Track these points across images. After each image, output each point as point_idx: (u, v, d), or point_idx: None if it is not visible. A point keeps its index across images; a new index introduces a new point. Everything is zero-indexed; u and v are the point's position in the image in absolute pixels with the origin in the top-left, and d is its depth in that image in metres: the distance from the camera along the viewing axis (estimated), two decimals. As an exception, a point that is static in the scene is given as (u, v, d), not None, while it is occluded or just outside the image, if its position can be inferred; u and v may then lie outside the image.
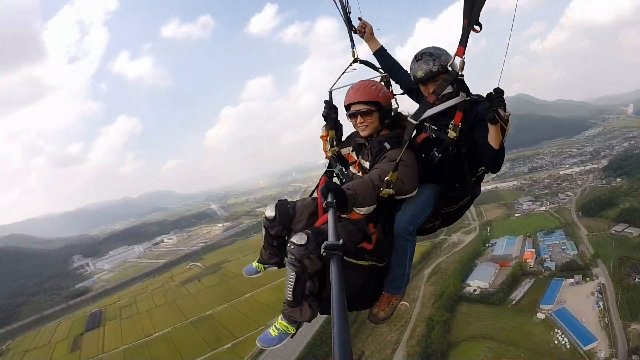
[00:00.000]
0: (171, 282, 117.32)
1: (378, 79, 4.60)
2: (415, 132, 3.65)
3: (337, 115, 4.46)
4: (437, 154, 3.66)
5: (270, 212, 4.05)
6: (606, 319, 52.61)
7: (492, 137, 3.15)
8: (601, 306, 54.95)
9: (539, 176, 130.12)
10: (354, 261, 3.61)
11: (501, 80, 3.11)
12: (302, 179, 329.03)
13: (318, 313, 3.56)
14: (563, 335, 50.68)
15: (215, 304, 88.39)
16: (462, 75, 3.31)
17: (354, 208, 3.23)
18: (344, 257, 3.18)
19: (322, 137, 4.56)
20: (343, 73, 4.63)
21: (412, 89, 4.25)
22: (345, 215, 3.43)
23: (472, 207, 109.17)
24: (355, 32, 4.65)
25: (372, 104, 3.73)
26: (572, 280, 61.73)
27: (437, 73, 3.65)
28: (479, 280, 68.16)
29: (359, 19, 4.61)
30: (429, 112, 3.38)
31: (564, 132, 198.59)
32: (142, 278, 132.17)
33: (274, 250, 4.34)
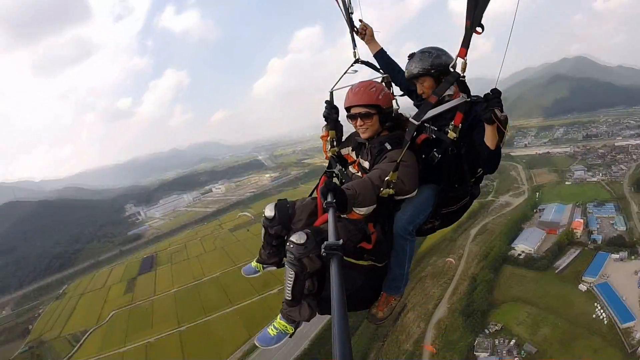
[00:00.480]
0: (220, 229, 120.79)
1: (379, 79, 4.66)
2: (415, 132, 3.64)
3: (338, 116, 4.48)
4: (437, 155, 3.70)
5: (269, 212, 4.08)
6: (648, 299, 51.95)
7: (489, 137, 3.18)
8: (644, 285, 53.06)
9: (594, 145, 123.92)
10: (353, 261, 3.68)
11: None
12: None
13: (317, 313, 3.59)
14: (602, 310, 49.55)
15: None
16: (464, 77, 3.27)
17: (353, 208, 3.25)
18: (343, 257, 3.27)
19: (322, 137, 4.61)
20: (344, 74, 4.72)
21: (412, 90, 4.29)
22: (345, 215, 3.47)
23: (522, 171, 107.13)
24: (356, 34, 4.67)
25: (372, 107, 3.75)
26: (617, 256, 59.38)
27: (429, 71, 3.84)
28: (525, 245, 67.27)
29: (360, 20, 4.62)
30: (431, 113, 3.41)
31: (624, 100, 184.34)
32: (192, 225, 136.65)
33: (273, 250, 4.39)
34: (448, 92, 3.57)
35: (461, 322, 52.81)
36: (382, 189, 3.35)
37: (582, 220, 72.66)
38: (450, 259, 67.45)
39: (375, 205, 3.40)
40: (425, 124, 3.85)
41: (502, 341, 48.59)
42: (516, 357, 45.76)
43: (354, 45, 4.66)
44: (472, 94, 3.49)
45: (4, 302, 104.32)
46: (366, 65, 4.75)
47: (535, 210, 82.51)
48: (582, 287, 54.58)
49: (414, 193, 3.57)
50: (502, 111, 2.95)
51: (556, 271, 59.98)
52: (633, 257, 59.67)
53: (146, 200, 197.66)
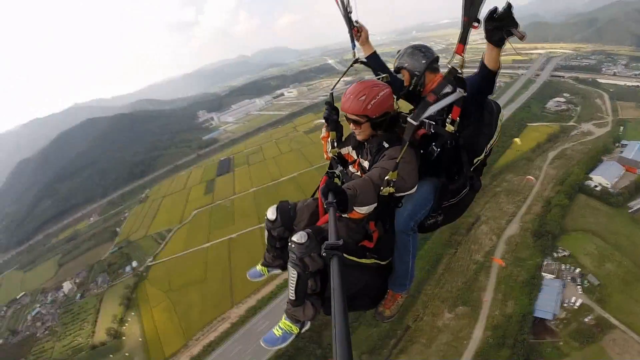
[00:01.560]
0: (295, 132, 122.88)
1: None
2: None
3: (338, 117, 4.43)
4: (435, 149, 3.75)
5: (271, 215, 4.10)
6: None
7: (493, 59, 3.11)
8: None
9: None
10: (356, 259, 3.67)
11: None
12: (423, 38, 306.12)
13: (322, 313, 3.64)
14: None
15: None
16: (462, 74, 3.26)
17: (354, 207, 3.22)
18: (346, 256, 3.47)
19: (322, 138, 4.58)
20: (344, 74, 4.81)
21: (407, 93, 4.35)
22: (346, 215, 3.43)
23: (607, 100, 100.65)
24: (357, 33, 4.68)
25: (360, 116, 3.71)
26: None
27: (408, 70, 4.16)
28: (602, 178, 64.72)
29: (356, 22, 4.59)
30: (429, 112, 3.36)
31: None
32: (265, 128, 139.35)
33: (277, 252, 4.39)
34: (446, 89, 3.54)
35: (531, 241, 53.82)
36: (382, 187, 3.38)
37: (664, 165, 68.11)
38: (531, 177, 67.21)
39: (375, 204, 3.40)
40: (424, 119, 3.78)
41: (568, 267, 49.56)
42: (579, 285, 46.86)
43: (353, 46, 4.72)
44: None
45: (91, 210, 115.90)
46: (366, 65, 4.81)
47: (616, 145, 77.31)
48: None
49: (414, 189, 3.59)
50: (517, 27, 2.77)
51: (630, 210, 57.92)
52: None
53: (218, 106, 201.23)
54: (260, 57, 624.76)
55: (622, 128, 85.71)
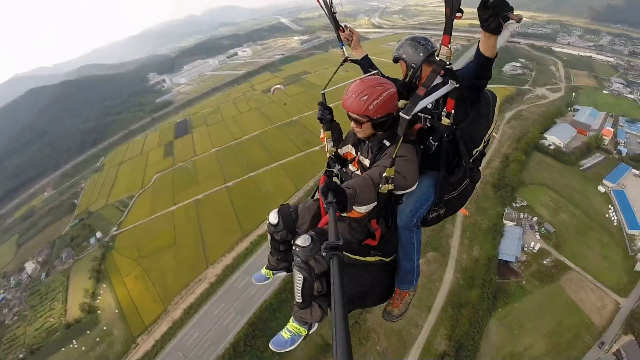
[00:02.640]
0: (252, 90, 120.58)
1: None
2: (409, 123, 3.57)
3: (333, 116, 4.36)
4: (433, 142, 3.71)
5: (273, 219, 4.07)
6: (655, 217, 55.74)
7: (490, 46, 3.01)
8: (657, 206, 57.26)
9: (638, 62, 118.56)
10: (360, 258, 3.68)
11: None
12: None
13: (329, 313, 3.46)
14: (615, 213, 55.76)
15: (300, 112, 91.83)
16: (451, 64, 3.20)
17: (354, 206, 3.21)
18: (350, 255, 3.54)
19: (321, 139, 4.52)
20: (334, 74, 4.72)
21: (403, 85, 4.29)
22: (346, 214, 3.44)
23: (561, 68, 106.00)
24: (342, 34, 4.63)
25: (362, 116, 3.59)
26: (637, 172, 63.26)
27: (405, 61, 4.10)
28: (556, 138, 70.30)
29: (345, 26, 4.63)
30: (420, 106, 3.15)
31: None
32: (221, 88, 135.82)
33: (282, 256, 4.38)
34: (437, 81, 3.52)
35: (492, 193, 57.72)
36: (381, 185, 3.34)
37: (612, 130, 74.37)
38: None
39: (375, 203, 3.37)
40: (420, 114, 3.88)
41: (526, 216, 54.56)
42: (537, 232, 52.18)
43: (342, 45, 4.62)
44: None
45: (45, 185, 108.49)
46: (356, 63, 4.76)
47: (569, 109, 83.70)
48: (601, 188, 60.25)
49: (415, 186, 3.54)
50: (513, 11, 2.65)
51: (580, 168, 64.22)
52: (654, 176, 63.09)
53: (169, 68, 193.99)
54: (210, 16, 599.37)
55: (574, 94, 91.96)
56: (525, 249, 50.02)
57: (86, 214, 78.07)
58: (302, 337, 3.57)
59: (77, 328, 51.21)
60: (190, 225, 62.34)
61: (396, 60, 4.22)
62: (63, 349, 48.95)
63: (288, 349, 3.52)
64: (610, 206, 56.88)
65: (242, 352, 41.88)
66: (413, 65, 4.06)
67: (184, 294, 50.68)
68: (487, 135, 3.91)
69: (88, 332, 50.15)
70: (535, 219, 54.06)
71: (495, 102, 3.93)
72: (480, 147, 3.91)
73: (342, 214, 3.44)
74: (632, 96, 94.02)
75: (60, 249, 69.45)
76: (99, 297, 54.96)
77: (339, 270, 2.02)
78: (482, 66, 3.17)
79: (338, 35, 4.56)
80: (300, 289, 3.28)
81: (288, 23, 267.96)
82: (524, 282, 46.40)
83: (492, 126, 3.91)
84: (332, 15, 4.31)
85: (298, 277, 3.23)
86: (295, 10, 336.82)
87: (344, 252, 3.31)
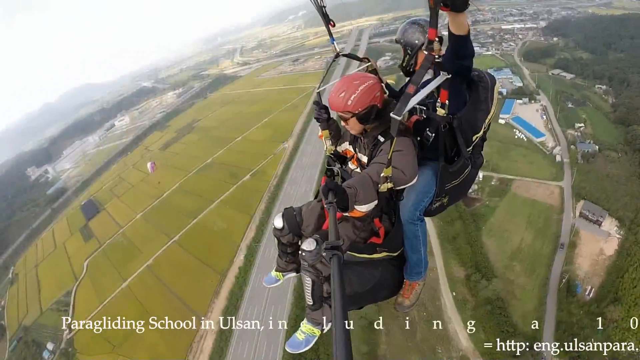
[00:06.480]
0: (149, 152, 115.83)
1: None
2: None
3: (329, 115, 4.33)
4: (430, 134, 3.70)
5: (278, 223, 4.12)
6: (549, 126, 73.24)
7: (461, 24, 3.04)
8: (545, 118, 75.38)
9: (483, 27, 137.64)
10: (367, 256, 3.76)
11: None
12: (232, 41, 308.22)
13: None
14: (521, 133, 71.23)
15: (210, 154, 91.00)
16: (439, 57, 3.15)
17: (355, 206, 3.20)
18: (357, 255, 3.66)
19: (319, 137, 4.51)
20: (327, 71, 4.77)
21: (402, 70, 4.47)
22: (347, 214, 3.39)
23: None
24: (332, 27, 4.42)
25: (345, 113, 3.65)
26: (521, 101, 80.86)
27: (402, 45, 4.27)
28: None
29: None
30: (411, 105, 3.03)
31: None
32: (115, 160, 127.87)
33: (290, 258, 4.42)
34: (427, 77, 3.52)
35: None
36: (380, 184, 3.35)
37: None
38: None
39: (376, 201, 3.37)
40: (415, 106, 3.81)
41: None
42: None
43: (332, 40, 4.52)
44: None
45: None
46: (348, 57, 4.76)
47: None
48: (501, 121, 73.90)
49: (415, 180, 3.51)
50: None
51: None
52: (532, 101, 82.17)
53: (46, 158, 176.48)
54: (66, 100, 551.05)
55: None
56: (473, 180, 60.58)
57: (22, 331, 67.12)
58: (316, 337, 3.64)
59: None
60: (156, 291, 57.72)
61: (397, 43, 4.37)
62: None
63: (303, 350, 3.60)
64: (514, 130, 72.04)
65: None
66: (409, 51, 4.26)
67: (195, 350, 47.52)
68: (487, 120, 3.94)
69: None
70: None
71: (494, 85, 3.94)
72: (480, 132, 3.95)
73: (345, 214, 3.41)
74: (489, 52, 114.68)
75: (11, 383, 59.58)
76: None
77: (338, 270, 2.04)
78: (459, 46, 3.23)
79: (329, 30, 4.42)
80: (310, 291, 3.37)
81: (152, 85, 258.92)
82: (487, 202, 56.65)
83: (492, 110, 3.94)
84: (322, 10, 4.16)
85: (307, 281, 3.32)
86: (153, 72, 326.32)
87: (350, 252, 3.77)
